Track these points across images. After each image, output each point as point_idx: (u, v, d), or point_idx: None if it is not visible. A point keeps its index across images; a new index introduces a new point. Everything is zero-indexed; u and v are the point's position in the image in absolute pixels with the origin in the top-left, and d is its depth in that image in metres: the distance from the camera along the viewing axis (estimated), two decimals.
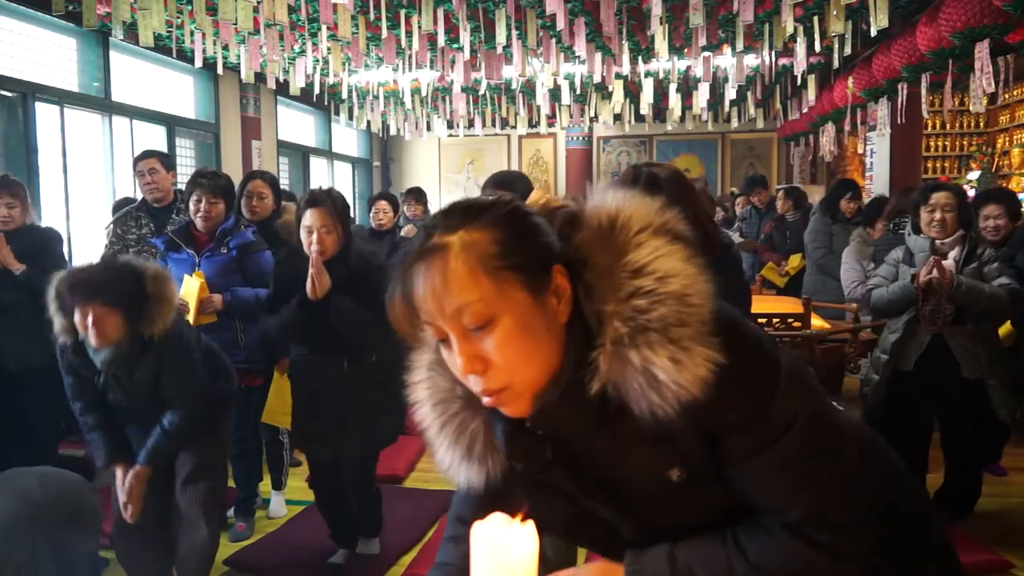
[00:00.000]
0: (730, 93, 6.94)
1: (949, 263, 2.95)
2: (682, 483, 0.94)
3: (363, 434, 2.71)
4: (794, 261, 5.54)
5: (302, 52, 6.19)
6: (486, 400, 0.92)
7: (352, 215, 10.63)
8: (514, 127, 9.30)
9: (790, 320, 3.69)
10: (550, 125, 9.10)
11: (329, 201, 2.58)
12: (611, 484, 0.99)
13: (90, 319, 2.16)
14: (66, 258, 3.62)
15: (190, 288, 3.07)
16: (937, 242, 3.04)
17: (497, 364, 0.88)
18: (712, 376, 0.85)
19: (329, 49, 5.65)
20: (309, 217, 2.57)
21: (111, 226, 3.81)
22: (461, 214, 0.91)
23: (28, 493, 2.14)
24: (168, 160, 3.73)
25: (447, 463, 1.03)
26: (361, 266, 2.64)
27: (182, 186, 3.79)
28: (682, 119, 8.37)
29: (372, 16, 5.00)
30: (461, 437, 1.00)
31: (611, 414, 0.90)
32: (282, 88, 6.96)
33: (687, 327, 0.86)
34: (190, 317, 3.05)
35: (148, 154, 3.71)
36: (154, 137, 6.58)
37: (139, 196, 3.86)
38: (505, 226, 0.89)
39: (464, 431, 1.00)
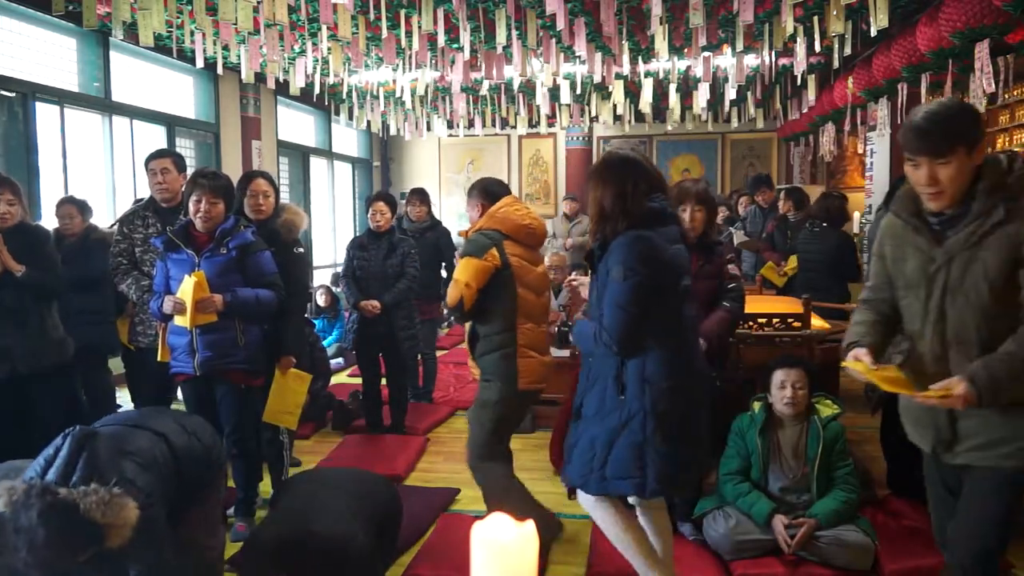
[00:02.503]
0: (730, 93, 6.94)
1: None
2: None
3: None
4: (793, 262, 5.54)
5: (302, 52, 6.20)
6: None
7: (353, 214, 10.63)
8: (514, 127, 9.30)
9: (790, 320, 3.70)
10: (550, 125, 9.11)
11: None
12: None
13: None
14: (56, 255, 3.59)
15: (187, 287, 3.06)
16: None
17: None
18: None
19: (329, 49, 5.65)
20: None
21: (117, 224, 3.81)
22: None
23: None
24: (180, 161, 3.73)
25: None
26: None
27: None
28: (682, 119, 8.37)
29: (372, 16, 5.00)
30: None
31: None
32: (282, 88, 6.97)
33: None
34: (187, 316, 3.05)
35: (162, 153, 3.71)
36: (154, 137, 6.59)
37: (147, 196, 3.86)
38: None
39: None
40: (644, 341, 2.24)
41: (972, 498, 1.94)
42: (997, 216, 1.81)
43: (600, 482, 2.30)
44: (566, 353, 4.61)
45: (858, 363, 1.89)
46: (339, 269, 8.81)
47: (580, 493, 2.45)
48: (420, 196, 5.40)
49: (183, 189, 3.67)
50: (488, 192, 3.13)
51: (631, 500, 2.51)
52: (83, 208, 4.30)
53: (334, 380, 5.78)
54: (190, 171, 3.56)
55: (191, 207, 3.16)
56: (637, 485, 2.26)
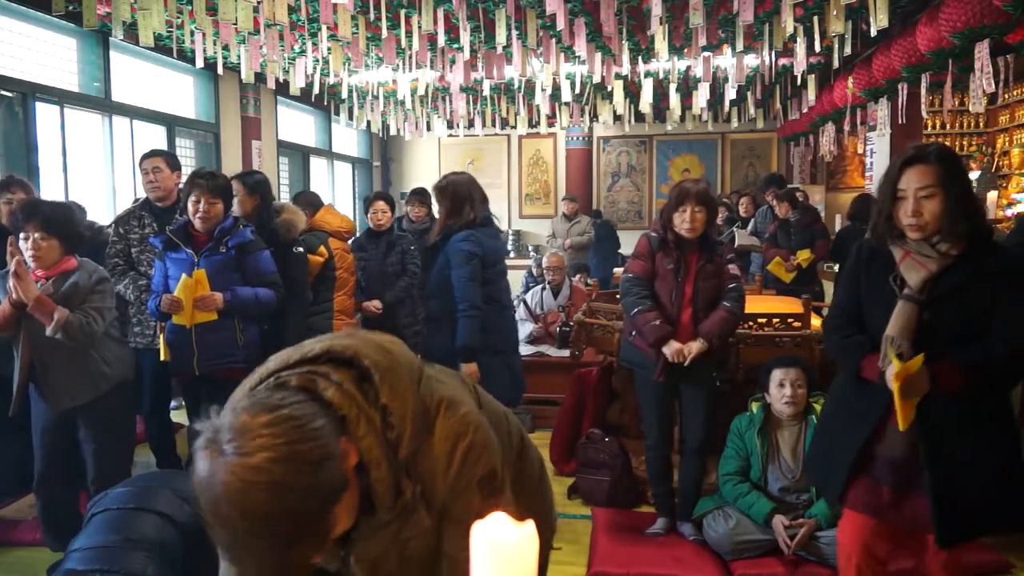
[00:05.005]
0: (730, 93, 6.94)
1: None
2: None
3: None
4: (805, 253, 5.56)
5: (302, 52, 6.19)
6: None
7: (353, 214, 10.62)
8: (514, 127, 9.30)
9: (790, 320, 3.69)
10: (550, 125, 9.10)
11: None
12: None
13: None
14: None
15: (184, 286, 3.06)
16: None
17: None
18: None
19: (329, 49, 5.65)
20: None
21: (113, 225, 3.81)
22: None
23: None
24: (173, 160, 3.73)
25: None
26: None
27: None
28: (682, 119, 8.37)
29: (372, 16, 5.00)
30: None
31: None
32: (282, 88, 6.97)
33: None
34: (184, 315, 3.05)
35: (153, 153, 3.71)
36: (154, 137, 6.58)
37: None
38: None
39: None
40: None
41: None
42: None
43: None
44: (565, 353, 4.61)
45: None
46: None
47: None
48: (420, 197, 5.38)
49: (178, 188, 3.69)
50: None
51: None
52: (79, 211, 4.31)
53: None
54: (189, 171, 3.56)
55: (190, 207, 3.16)
56: None
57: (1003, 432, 1.95)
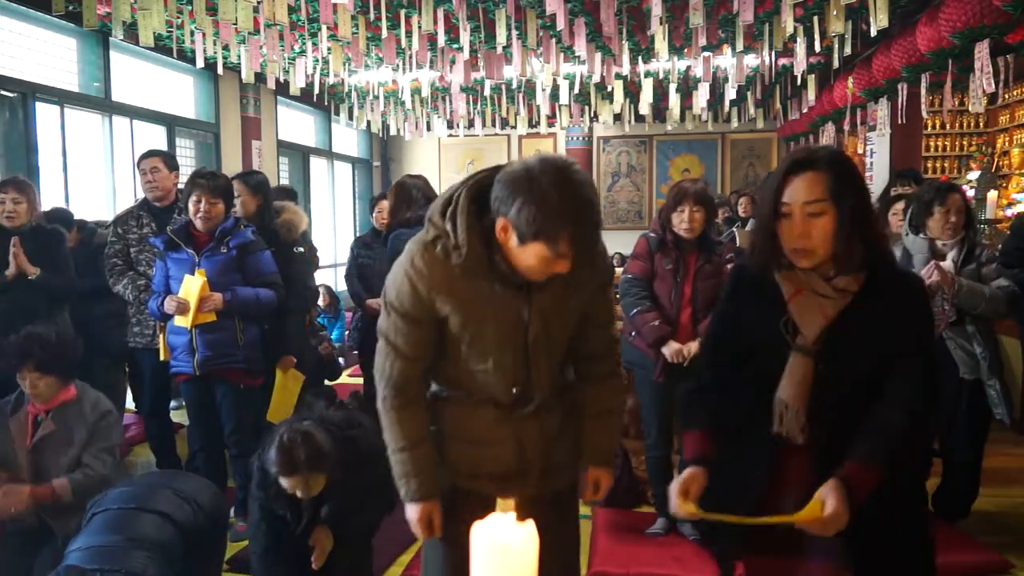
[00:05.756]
0: (730, 93, 6.94)
1: (948, 264, 2.94)
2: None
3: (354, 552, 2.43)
4: None
5: (302, 52, 6.19)
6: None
7: (353, 214, 10.62)
8: (514, 127, 9.30)
9: None
10: (550, 125, 9.10)
11: (305, 464, 2.16)
12: None
13: None
14: (71, 258, 3.63)
15: (191, 287, 3.06)
16: (937, 243, 3.03)
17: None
18: None
19: (329, 49, 5.65)
20: (287, 483, 2.21)
21: (112, 225, 3.82)
22: None
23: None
24: (171, 160, 3.73)
25: None
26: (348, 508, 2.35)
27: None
28: (682, 119, 8.37)
29: (372, 16, 5.00)
30: None
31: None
32: (282, 88, 6.97)
33: None
34: (189, 316, 3.05)
35: (151, 153, 3.72)
36: (154, 137, 6.59)
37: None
38: None
39: None
40: None
41: None
42: None
43: None
44: None
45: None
46: (339, 269, 8.82)
47: None
48: None
49: (176, 188, 3.71)
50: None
51: None
52: (66, 216, 4.34)
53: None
54: (189, 171, 3.57)
55: (191, 207, 3.16)
56: None
57: (910, 488, 1.66)
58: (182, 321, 3.08)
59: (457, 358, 1.69)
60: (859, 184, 1.55)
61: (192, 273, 3.09)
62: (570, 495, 1.87)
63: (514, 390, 1.69)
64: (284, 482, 2.18)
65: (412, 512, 1.71)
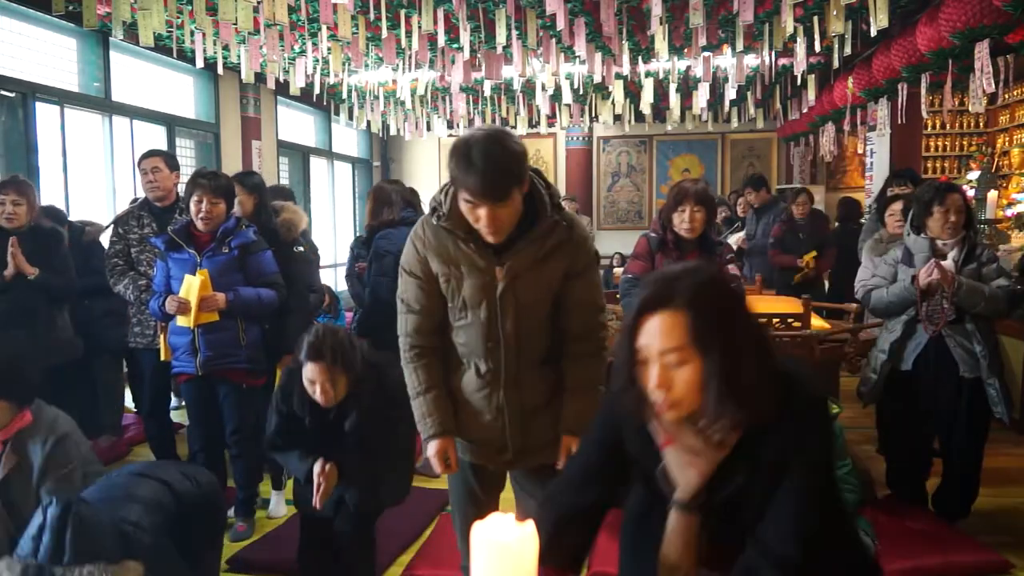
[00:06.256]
0: (730, 93, 6.94)
1: (949, 264, 2.94)
2: None
3: (363, 489, 2.48)
4: (809, 256, 5.60)
5: (302, 52, 6.19)
6: None
7: (353, 214, 10.60)
8: (514, 127, 9.30)
9: (790, 320, 3.69)
10: (550, 125, 9.11)
11: (330, 353, 2.32)
12: None
13: None
14: (71, 258, 3.63)
15: (191, 286, 3.06)
16: (938, 242, 3.04)
17: None
18: None
19: (329, 49, 5.65)
20: (310, 371, 2.34)
21: (112, 225, 3.82)
22: None
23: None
24: (172, 160, 3.74)
25: None
26: (375, 401, 2.42)
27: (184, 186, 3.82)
28: (682, 119, 8.37)
29: (372, 16, 5.00)
30: None
31: None
32: (282, 88, 6.97)
33: None
34: (190, 316, 3.05)
35: (152, 153, 3.72)
36: (154, 137, 6.59)
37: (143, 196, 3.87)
38: None
39: None
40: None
41: None
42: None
43: None
44: None
45: None
46: (339, 269, 8.81)
47: None
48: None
49: (177, 188, 3.71)
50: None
51: None
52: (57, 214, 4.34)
53: None
54: (189, 171, 3.58)
55: (192, 207, 3.16)
56: None
57: None
58: (184, 321, 3.08)
59: (449, 319, 1.97)
60: (733, 320, 1.24)
61: (194, 273, 3.09)
62: (552, 471, 1.97)
63: (488, 344, 1.90)
64: (308, 370, 2.34)
65: (430, 449, 1.97)
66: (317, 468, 2.40)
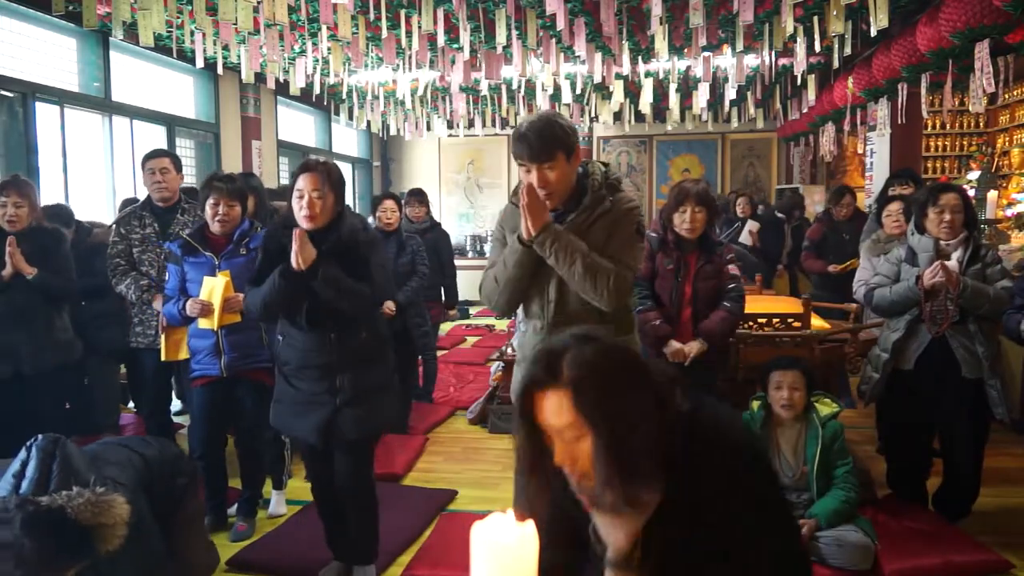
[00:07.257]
0: (730, 93, 6.94)
1: (953, 264, 2.94)
2: None
3: (355, 415, 2.55)
4: (854, 263, 4.89)
5: (302, 52, 6.20)
6: None
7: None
8: (514, 127, 9.31)
9: (790, 320, 3.70)
10: None
11: (323, 168, 2.52)
12: None
13: None
14: (71, 258, 3.63)
15: (214, 288, 3.05)
16: (942, 243, 3.03)
17: None
18: None
19: (329, 49, 5.65)
20: (301, 181, 2.49)
21: (114, 225, 3.82)
22: None
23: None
24: (178, 161, 3.75)
25: None
26: (351, 238, 2.56)
27: (183, 186, 3.82)
28: (682, 119, 8.37)
29: (372, 16, 5.00)
30: None
31: None
32: (282, 88, 6.97)
33: None
34: (214, 318, 3.04)
35: (160, 153, 3.72)
36: (154, 137, 6.59)
37: (143, 196, 3.87)
38: None
39: None
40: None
41: None
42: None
43: None
44: None
45: None
46: None
47: None
48: (419, 197, 5.36)
49: (179, 189, 3.71)
50: None
51: None
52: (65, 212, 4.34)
53: None
54: (189, 171, 3.58)
55: (208, 210, 3.15)
56: None
57: None
58: (207, 323, 3.07)
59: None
60: (618, 393, 1.16)
61: (212, 276, 3.08)
62: None
63: (542, 303, 2.26)
64: (300, 180, 2.51)
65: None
66: (295, 233, 2.47)
